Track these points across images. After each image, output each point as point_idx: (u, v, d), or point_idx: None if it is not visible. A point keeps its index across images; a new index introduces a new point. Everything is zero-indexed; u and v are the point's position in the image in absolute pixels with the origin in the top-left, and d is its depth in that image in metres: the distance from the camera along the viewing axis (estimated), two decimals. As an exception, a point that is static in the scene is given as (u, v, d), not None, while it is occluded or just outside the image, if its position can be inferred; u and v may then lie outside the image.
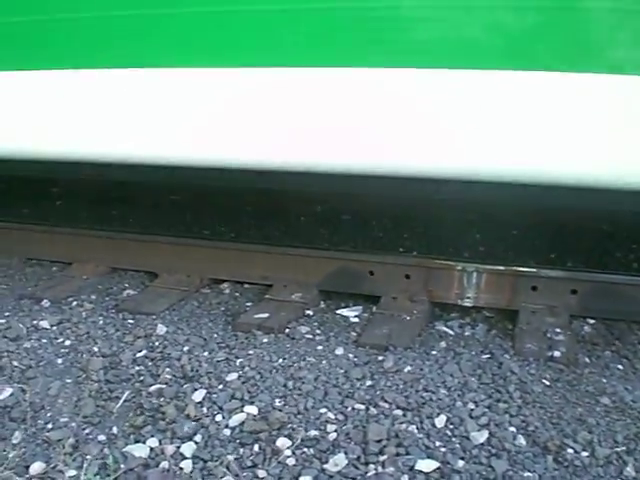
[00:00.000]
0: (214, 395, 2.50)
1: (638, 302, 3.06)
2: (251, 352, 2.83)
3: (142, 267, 3.83)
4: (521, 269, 3.23)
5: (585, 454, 2.16)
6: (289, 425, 2.31)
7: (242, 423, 2.34)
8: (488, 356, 2.81)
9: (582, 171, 2.46)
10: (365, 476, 2.07)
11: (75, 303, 3.41)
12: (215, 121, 2.79)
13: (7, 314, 3.26)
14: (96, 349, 2.89)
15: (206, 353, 2.83)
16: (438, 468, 2.10)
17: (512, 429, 2.29)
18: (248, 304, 3.41)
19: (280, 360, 2.77)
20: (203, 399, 2.48)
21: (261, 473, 2.09)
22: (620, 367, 2.75)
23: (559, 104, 2.41)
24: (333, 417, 2.36)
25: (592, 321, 3.12)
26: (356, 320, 3.21)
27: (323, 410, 2.40)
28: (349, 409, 2.41)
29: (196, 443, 2.25)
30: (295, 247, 3.64)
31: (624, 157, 2.42)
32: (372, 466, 2.10)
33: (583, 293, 3.12)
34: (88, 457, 2.19)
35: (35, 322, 3.14)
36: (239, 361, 2.75)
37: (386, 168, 2.66)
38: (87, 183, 5.02)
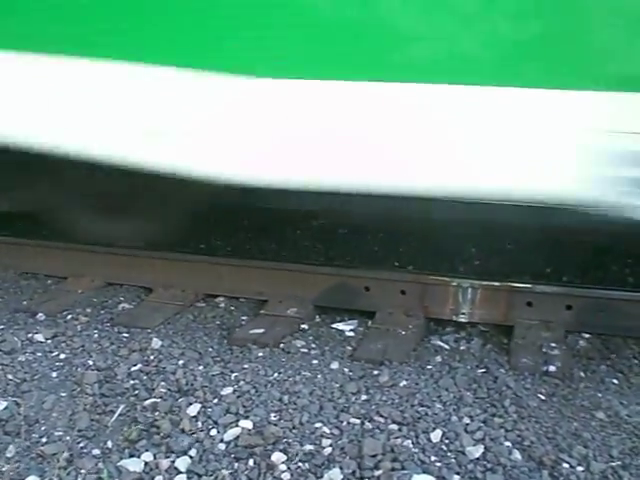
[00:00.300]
0: (209, 409, 2.49)
1: (633, 317, 3.07)
2: (246, 366, 2.82)
3: (137, 282, 3.82)
4: (516, 285, 3.24)
5: (580, 469, 2.16)
6: (284, 439, 2.31)
7: (237, 437, 2.33)
8: (483, 370, 2.81)
9: None
10: (360, 491, 2.07)
11: (70, 317, 3.40)
12: None
13: (2, 327, 3.25)
14: (91, 363, 2.88)
15: (201, 367, 2.82)
16: (434, 483, 2.10)
17: (507, 444, 2.28)
18: (243, 318, 3.41)
19: (275, 374, 2.76)
20: (198, 413, 2.47)
21: (256, 487, 2.09)
22: (615, 381, 2.75)
23: None
24: (328, 431, 2.36)
25: (587, 335, 3.12)
26: (351, 334, 3.21)
27: (318, 424, 2.40)
28: (344, 423, 2.40)
29: (191, 457, 2.24)
30: (291, 262, 3.64)
31: None
32: (367, 481, 2.10)
33: (578, 308, 3.13)
34: (82, 471, 2.18)
35: (30, 335, 3.13)
36: (234, 375, 2.75)
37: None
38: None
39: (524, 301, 3.18)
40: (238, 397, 2.57)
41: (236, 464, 2.20)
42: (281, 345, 3.05)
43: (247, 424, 2.40)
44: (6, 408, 2.53)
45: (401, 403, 2.53)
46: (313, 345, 3.08)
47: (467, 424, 2.40)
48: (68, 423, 2.46)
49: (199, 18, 2.64)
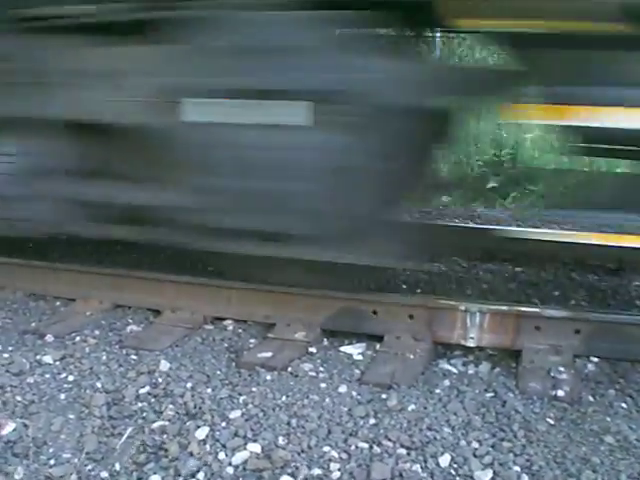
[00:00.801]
0: (217, 432, 2.49)
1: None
2: (254, 389, 2.82)
3: (145, 304, 3.82)
4: (524, 309, 3.23)
5: (590, 494, 2.15)
6: (292, 463, 2.31)
7: (245, 461, 2.33)
8: (492, 395, 2.80)
9: None
10: (369, 515, 2.07)
11: (78, 338, 3.41)
12: None
13: (10, 349, 3.26)
14: (99, 385, 2.89)
15: (209, 390, 2.82)
16: (442, 507, 2.09)
17: (516, 468, 2.28)
18: (251, 341, 3.41)
19: (283, 398, 2.76)
20: (206, 436, 2.47)
21: (264, 511, 2.09)
22: (624, 406, 2.74)
23: None
24: (337, 455, 2.36)
25: (596, 359, 3.11)
26: (360, 357, 3.20)
27: (326, 448, 2.40)
28: (353, 448, 2.40)
29: (199, 481, 2.24)
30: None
31: None
32: (376, 505, 2.10)
33: (587, 333, 3.12)
34: (90, 494, 2.18)
35: (38, 357, 3.13)
36: (242, 398, 2.74)
37: None
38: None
39: (532, 325, 3.17)
40: (246, 420, 2.57)
41: (244, 488, 2.21)
42: (289, 368, 3.04)
43: (255, 448, 2.40)
44: (14, 430, 2.53)
45: (409, 427, 2.53)
46: (321, 368, 3.08)
47: (476, 448, 2.39)
48: (76, 445, 2.46)
49: None
